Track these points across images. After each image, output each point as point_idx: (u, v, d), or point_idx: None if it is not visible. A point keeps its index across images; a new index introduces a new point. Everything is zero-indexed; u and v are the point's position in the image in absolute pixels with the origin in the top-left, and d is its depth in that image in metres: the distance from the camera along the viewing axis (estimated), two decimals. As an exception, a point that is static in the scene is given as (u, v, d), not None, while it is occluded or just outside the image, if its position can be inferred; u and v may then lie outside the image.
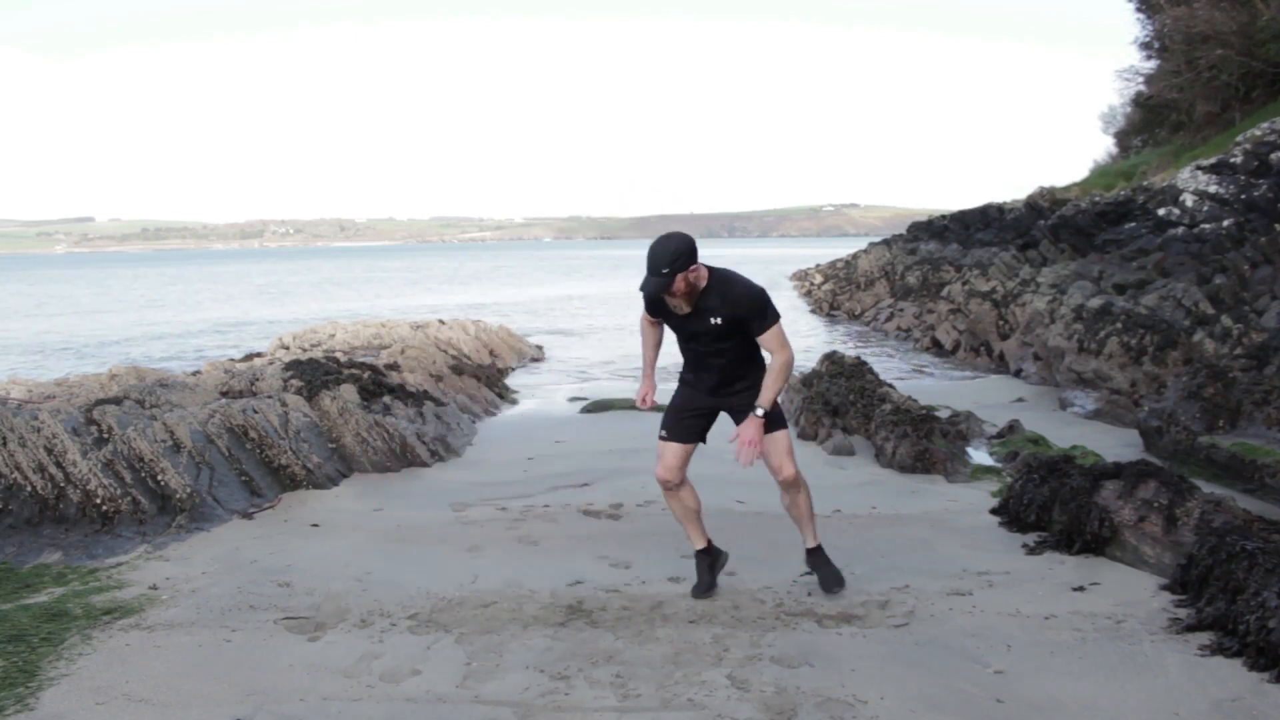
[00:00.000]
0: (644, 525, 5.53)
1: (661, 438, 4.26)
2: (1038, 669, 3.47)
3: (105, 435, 6.11)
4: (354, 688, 3.39)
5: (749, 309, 3.96)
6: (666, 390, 4.45)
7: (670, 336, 4.28)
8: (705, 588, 4.27)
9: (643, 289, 3.98)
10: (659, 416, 4.41)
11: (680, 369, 4.32)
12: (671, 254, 3.86)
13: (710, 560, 4.35)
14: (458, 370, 11.12)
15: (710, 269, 4.00)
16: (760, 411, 3.97)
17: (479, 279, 54.76)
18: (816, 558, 4.34)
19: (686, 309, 4.00)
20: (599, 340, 19.87)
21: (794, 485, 4.19)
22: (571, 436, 8.42)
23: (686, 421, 4.24)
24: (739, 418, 4.14)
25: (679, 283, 3.88)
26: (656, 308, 4.17)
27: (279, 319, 27.38)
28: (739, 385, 4.15)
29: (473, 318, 18.18)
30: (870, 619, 3.98)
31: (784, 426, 4.16)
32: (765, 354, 4.10)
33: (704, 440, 4.32)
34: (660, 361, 4.48)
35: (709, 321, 4.00)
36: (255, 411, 6.60)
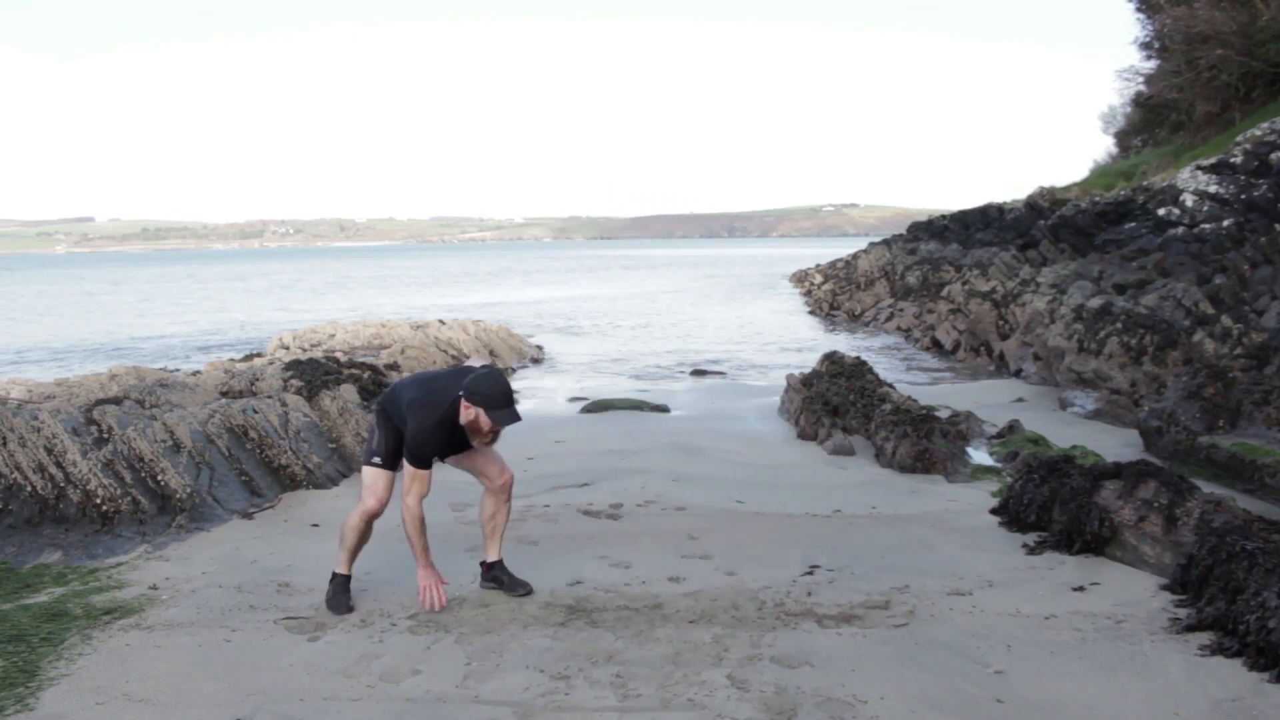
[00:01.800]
0: (644, 525, 5.53)
1: (375, 464, 4.20)
2: (1038, 669, 3.47)
3: (105, 435, 6.11)
4: (354, 688, 3.39)
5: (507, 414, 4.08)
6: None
7: None
8: (347, 606, 4.19)
9: (502, 423, 3.98)
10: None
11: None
12: (509, 386, 4.09)
13: (347, 583, 4.30)
14: (458, 370, 11.12)
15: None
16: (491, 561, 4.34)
17: (483, 279, 54.78)
18: (500, 570, 4.41)
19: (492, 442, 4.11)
20: (599, 340, 19.87)
21: (508, 494, 4.35)
22: (571, 436, 8.42)
23: (397, 451, 4.20)
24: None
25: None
26: (452, 435, 4.11)
27: (279, 319, 27.38)
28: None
29: (474, 317, 18.19)
30: (870, 619, 3.98)
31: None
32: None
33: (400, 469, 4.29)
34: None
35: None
36: (255, 411, 6.60)
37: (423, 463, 4.05)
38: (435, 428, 4.02)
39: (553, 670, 3.49)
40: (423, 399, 4.04)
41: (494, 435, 4.05)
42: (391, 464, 4.19)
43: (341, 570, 4.27)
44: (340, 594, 4.23)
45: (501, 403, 3.96)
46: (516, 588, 4.34)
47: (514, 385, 12.42)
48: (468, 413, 3.97)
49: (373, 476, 4.20)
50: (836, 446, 7.77)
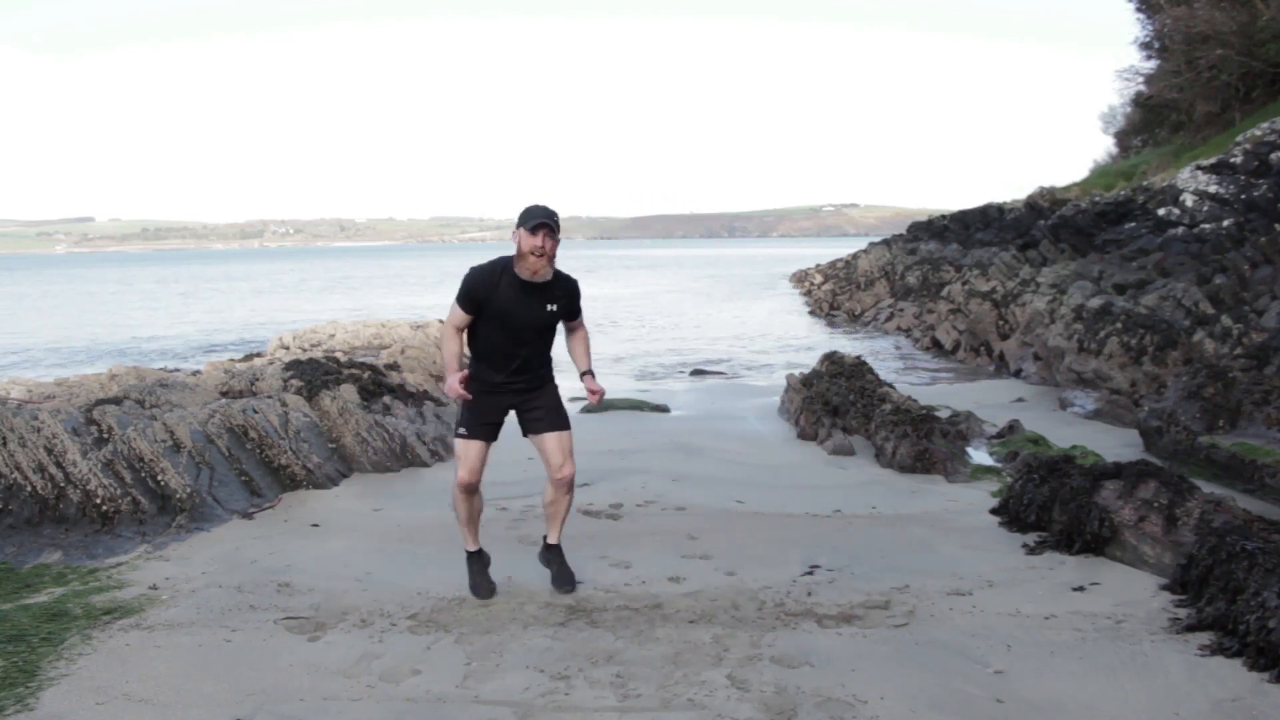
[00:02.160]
0: (644, 525, 5.53)
1: (461, 435, 4.23)
2: (1038, 669, 3.47)
3: (105, 435, 6.11)
4: (354, 688, 3.39)
5: (574, 296, 4.25)
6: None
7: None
8: (490, 589, 4.32)
9: (534, 224, 3.97)
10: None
11: (473, 366, 4.28)
12: (556, 213, 4.05)
13: (485, 563, 4.43)
14: (458, 370, 11.13)
15: None
16: (591, 370, 4.34)
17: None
18: (554, 554, 4.45)
19: (549, 273, 4.06)
20: (599, 340, 19.87)
21: (569, 487, 4.33)
22: (571, 436, 8.40)
23: (486, 422, 4.26)
24: (528, 417, 4.30)
25: (556, 242, 4.03)
26: (489, 294, 4.09)
27: (279, 319, 27.38)
28: (534, 383, 4.27)
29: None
30: (870, 619, 3.98)
31: (570, 427, 4.34)
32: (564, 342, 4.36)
33: (496, 439, 4.36)
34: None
35: (545, 308, 4.13)
36: (255, 411, 6.60)
37: (462, 299, 4.09)
38: (487, 270, 4.08)
39: (553, 670, 3.49)
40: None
41: (540, 263, 3.99)
42: (474, 432, 4.22)
43: (470, 547, 4.38)
44: (477, 575, 4.35)
45: (532, 214, 3.97)
46: (561, 581, 4.36)
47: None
48: (515, 244, 4.01)
49: (460, 448, 4.23)
50: (836, 446, 7.78)
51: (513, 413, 4.33)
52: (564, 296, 4.17)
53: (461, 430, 4.23)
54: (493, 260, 4.14)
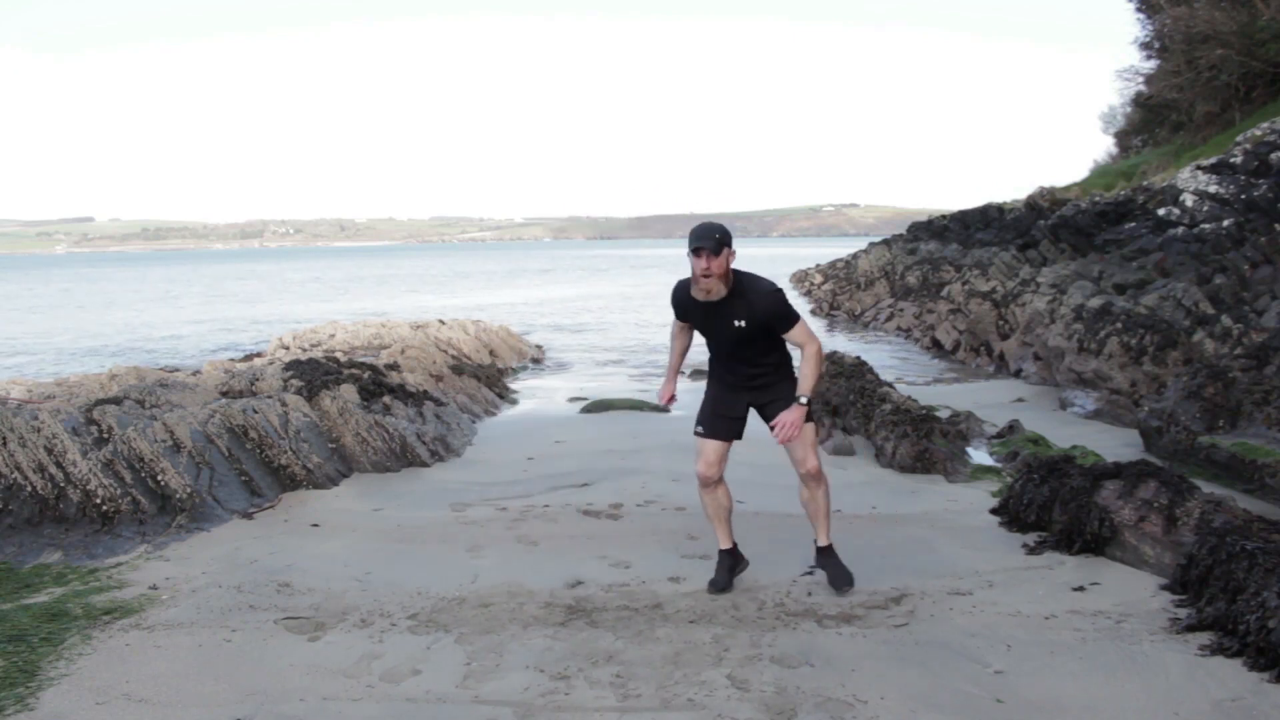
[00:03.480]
0: (644, 525, 5.53)
1: (698, 434, 4.36)
2: (1038, 669, 3.47)
3: (105, 435, 6.11)
4: (354, 688, 3.39)
5: (770, 312, 4.08)
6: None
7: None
8: (721, 586, 4.34)
9: (692, 249, 3.98)
10: (659, 417, 4.43)
11: (710, 364, 4.43)
12: (721, 228, 4.03)
13: (732, 562, 4.43)
14: (458, 370, 11.12)
15: (735, 272, 4.09)
16: (804, 400, 4.06)
17: (484, 278, 54.74)
18: (827, 557, 4.38)
19: (722, 291, 4.03)
20: (599, 339, 19.87)
21: (816, 480, 4.26)
22: (571, 436, 8.41)
23: (722, 418, 4.33)
24: (768, 412, 4.24)
25: (723, 257, 3.96)
26: (685, 310, 4.24)
27: (279, 319, 27.38)
28: (765, 382, 4.25)
29: (474, 317, 18.19)
30: (870, 619, 3.98)
31: (813, 420, 4.22)
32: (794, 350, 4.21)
33: (740, 437, 4.39)
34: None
35: (732, 324, 4.09)
36: (255, 411, 6.60)
37: (673, 307, 4.30)
38: (678, 288, 4.22)
39: (553, 670, 3.49)
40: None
41: (715, 285, 3.99)
42: (710, 430, 4.30)
43: (722, 545, 4.42)
44: (720, 570, 4.39)
45: (690, 237, 3.99)
46: (839, 582, 4.30)
47: (512, 386, 12.41)
48: (698, 266, 3.99)
49: (698, 445, 4.35)
50: (836, 446, 7.77)
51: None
52: (750, 310, 4.05)
53: (699, 429, 4.35)
54: (685, 279, 4.18)
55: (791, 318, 4.10)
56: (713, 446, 4.32)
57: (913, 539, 5.17)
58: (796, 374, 4.21)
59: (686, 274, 4.19)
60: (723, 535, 4.43)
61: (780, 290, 4.15)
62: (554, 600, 4.24)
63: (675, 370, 4.54)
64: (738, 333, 4.10)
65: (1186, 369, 8.44)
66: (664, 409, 4.42)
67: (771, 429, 4.10)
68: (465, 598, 4.30)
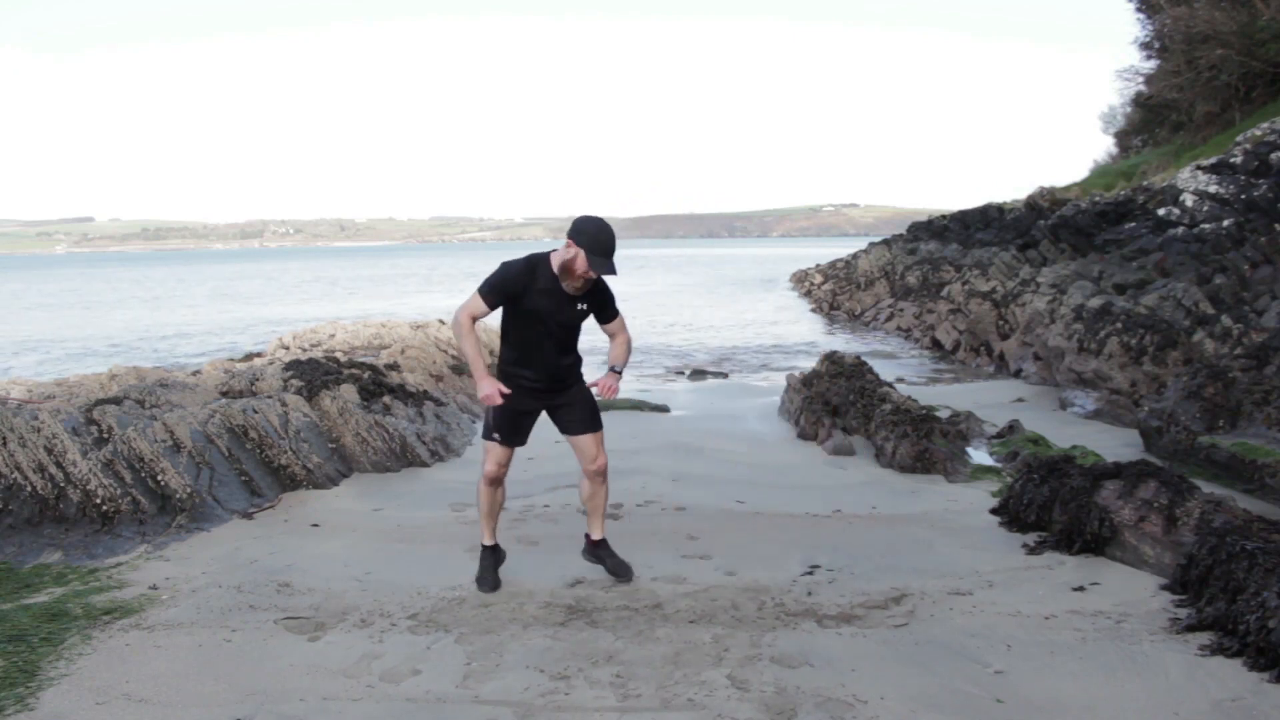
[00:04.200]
0: (644, 525, 5.53)
1: (495, 440, 4.31)
2: (1038, 669, 3.47)
3: (105, 435, 6.11)
4: (354, 688, 3.39)
5: (608, 296, 4.27)
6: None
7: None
8: (494, 584, 4.39)
9: (595, 271, 3.99)
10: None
11: (506, 366, 4.32)
12: (614, 238, 4.03)
13: (497, 559, 4.51)
14: (458, 370, 11.12)
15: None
16: (617, 368, 4.27)
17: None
18: (603, 549, 4.52)
19: (582, 290, 4.11)
20: (598, 339, 19.87)
21: (602, 477, 4.39)
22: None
23: (517, 423, 4.33)
24: (561, 416, 4.38)
25: None
26: (516, 295, 4.10)
27: (279, 319, 27.38)
28: (569, 379, 4.35)
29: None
30: (870, 619, 3.98)
31: (602, 426, 4.43)
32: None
33: (524, 442, 4.45)
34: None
35: (578, 308, 4.17)
36: (255, 411, 6.60)
37: (490, 291, 4.06)
38: (522, 269, 4.07)
39: (553, 670, 3.50)
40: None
41: (585, 283, 4.05)
42: (509, 439, 4.32)
43: (486, 541, 4.46)
44: (486, 569, 4.42)
45: (604, 250, 3.97)
46: (620, 572, 4.46)
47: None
48: (568, 251, 3.99)
49: (491, 448, 4.34)
50: (836, 446, 7.77)
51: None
52: (594, 296, 4.19)
53: (495, 435, 4.30)
54: (528, 258, 4.15)
55: (615, 305, 4.32)
56: (505, 452, 4.35)
57: (913, 539, 5.17)
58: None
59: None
60: (490, 531, 4.48)
61: None
62: (554, 600, 4.24)
63: (483, 358, 4.27)
64: (578, 315, 4.20)
65: (1186, 369, 8.44)
66: (501, 409, 4.28)
67: (593, 386, 4.26)
68: (465, 598, 4.30)
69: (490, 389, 4.11)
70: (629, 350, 4.39)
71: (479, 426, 9.20)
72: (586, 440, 4.35)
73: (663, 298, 34.09)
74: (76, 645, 3.72)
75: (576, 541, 5.18)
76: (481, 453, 4.44)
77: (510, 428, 4.31)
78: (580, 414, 4.36)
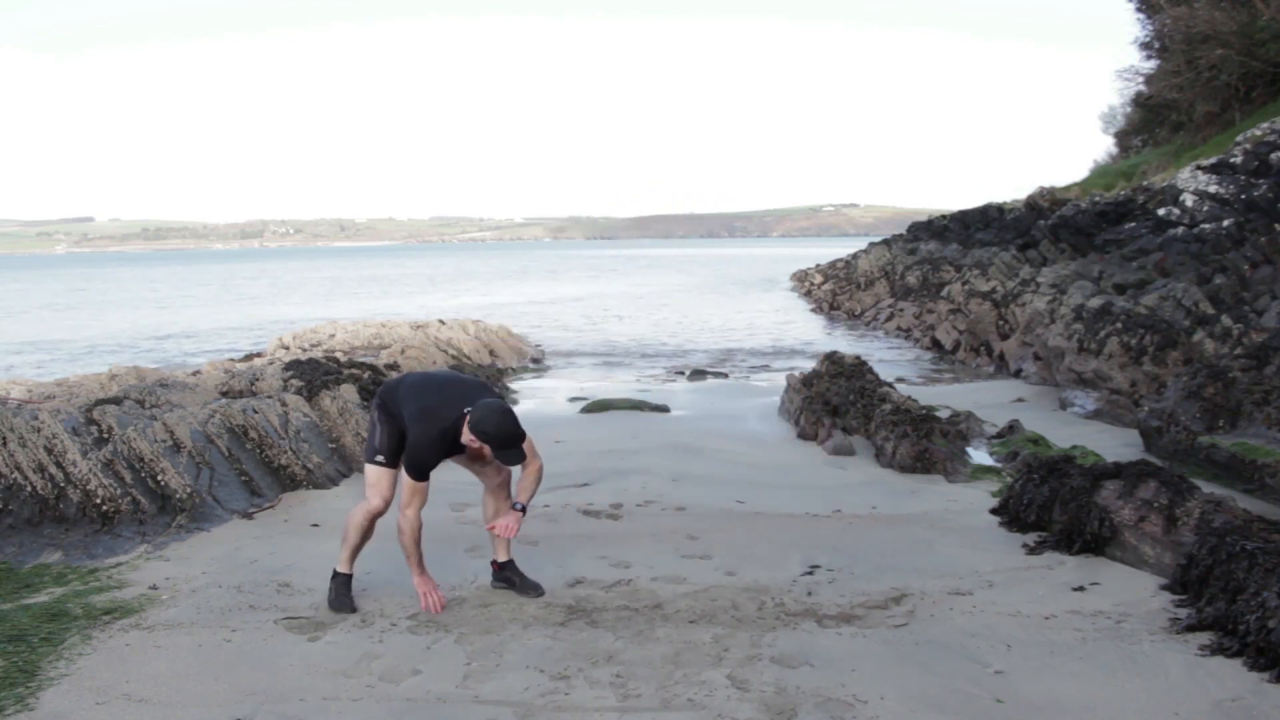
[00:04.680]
0: (644, 525, 5.53)
1: (381, 464, 4.16)
2: (1038, 669, 3.47)
3: (105, 435, 6.11)
4: (354, 688, 3.39)
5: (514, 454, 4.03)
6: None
7: None
8: (346, 605, 4.17)
9: (509, 463, 4.03)
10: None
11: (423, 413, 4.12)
12: (518, 426, 3.99)
13: (348, 583, 4.28)
14: (458, 370, 11.12)
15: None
16: (520, 506, 4.15)
17: (484, 278, 54.74)
18: (510, 570, 4.39)
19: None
20: (599, 339, 19.87)
21: (506, 491, 4.31)
22: (571, 436, 8.41)
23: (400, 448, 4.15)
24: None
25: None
26: (450, 450, 4.08)
27: (279, 319, 27.38)
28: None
29: (474, 317, 18.19)
30: (870, 619, 3.98)
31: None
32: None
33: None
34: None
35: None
36: (255, 411, 6.60)
37: (421, 475, 4.03)
38: (437, 440, 3.98)
39: (553, 670, 3.50)
40: (426, 411, 3.98)
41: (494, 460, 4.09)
42: (394, 461, 4.15)
43: (343, 569, 4.26)
44: (342, 593, 4.22)
45: (509, 443, 3.94)
46: (528, 589, 4.32)
47: (511, 386, 12.41)
48: (473, 442, 3.95)
49: (376, 475, 4.17)
50: (836, 446, 7.77)
51: None
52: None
53: (379, 459, 4.15)
54: (440, 428, 3.97)
55: (521, 445, 4.03)
56: (390, 477, 4.18)
57: (913, 539, 5.17)
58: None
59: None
60: (351, 560, 4.26)
61: (514, 428, 4.04)
62: (554, 600, 4.24)
63: (421, 560, 4.19)
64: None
65: (1186, 369, 8.44)
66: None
67: (490, 529, 4.20)
68: (465, 598, 4.30)
69: (424, 589, 4.14)
70: (539, 480, 4.21)
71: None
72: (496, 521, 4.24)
73: (662, 297, 34.09)
74: (76, 645, 3.72)
75: (576, 541, 5.19)
76: (366, 481, 4.25)
77: (395, 447, 4.13)
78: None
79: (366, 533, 4.26)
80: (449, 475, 7.01)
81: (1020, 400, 10.53)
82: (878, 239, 36.87)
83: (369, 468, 4.20)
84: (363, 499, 4.26)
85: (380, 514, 4.22)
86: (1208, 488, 5.41)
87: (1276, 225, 14.17)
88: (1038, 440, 7.42)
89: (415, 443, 3.97)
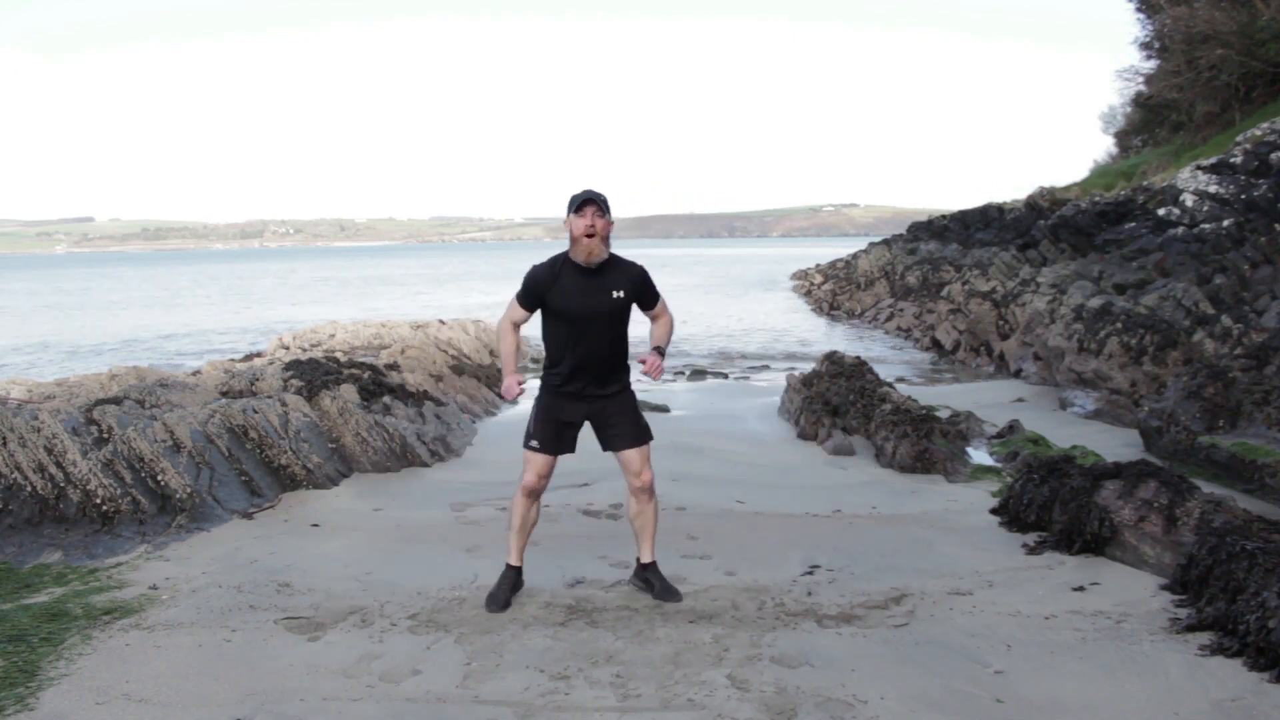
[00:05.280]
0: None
1: (533, 448, 4.19)
2: (1038, 669, 3.47)
3: (105, 435, 6.11)
4: (354, 688, 3.39)
5: (644, 280, 4.16)
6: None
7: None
8: (503, 604, 4.14)
9: (582, 200, 3.97)
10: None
11: (547, 372, 4.24)
12: (600, 193, 4.02)
13: (517, 580, 4.27)
14: (458, 370, 11.12)
15: None
16: (661, 347, 4.24)
17: (484, 278, 54.75)
18: (652, 573, 4.30)
19: (604, 253, 4.01)
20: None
21: (648, 494, 4.22)
22: (571, 436, 8.40)
23: (559, 433, 4.20)
24: (605, 429, 4.23)
25: (606, 220, 3.98)
26: (548, 290, 4.06)
27: (279, 319, 27.38)
28: (613, 384, 4.21)
29: (474, 317, 18.18)
30: (870, 619, 3.98)
31: (651, 438, 4.26)
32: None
33: (572, 450, 4.30)
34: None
35: (612, 295, 4.06)
36: (255, 411, 6.60)
37: (522, 295, 4.11)
38: (545, 265, 4.07)
39: (553, 670, 3.49)
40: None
41: (589, 237, 3.94)
42: (549, 447, 4.19)
43: (511, 560, 4.26)
44: (502, 587, 4.20)
45: (577, 196, 3.97)
46: (668, 594, 4.20)
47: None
48: (569, 233, 4.01)
49: (530, 458, 4.21)
50: (836, 446, 7.77)
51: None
52: (629, 282, 4.09)
53: (533, 443, 4.18)
54: (552, 256, 4.13)
55: (656, 290, 4.23)
56: (544, 460, 4.19)
57: (913, 539, 5.17)
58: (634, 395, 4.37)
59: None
60: (517, 550, 4.26)
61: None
62: (554, 600, 4.24)
63: (515, 360, 4.26)
64: (614, 304, 4.05)
65: (1186, 369, 8.45)
66: (512, 402, 4.27)
67: (640, 363, 4.15)
68: (465, 598, 4.30)
69: (509, 382, 4.11)
70: (671, 330, 4.35)
71: (479, 427, 9.22)
72: (631, 455, 4.17)
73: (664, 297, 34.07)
74: (76, 645, 3.72)
75: (576, 541, 5.19)
76: (521, 462, 4.26)
77: (549, 435, 4.17)
78: (624, 427, 4.18)
79: (530, 515, 4.24)
80: (449, 475, 7.04)
81: (1020, 400, 10.54)
82: (878, 239, 36.87)
83: (523, 452, 4.25)
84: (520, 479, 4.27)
85: (531, 490, 4.20)
86: (1208, 488, 5.41)
87: (1276, 225, 14.17)
88: (1038, 440, 7.42)
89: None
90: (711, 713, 3.15)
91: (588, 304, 4.03)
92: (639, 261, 4.31)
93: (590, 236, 3.95)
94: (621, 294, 4.07)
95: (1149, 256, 15.06)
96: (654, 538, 4.30)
